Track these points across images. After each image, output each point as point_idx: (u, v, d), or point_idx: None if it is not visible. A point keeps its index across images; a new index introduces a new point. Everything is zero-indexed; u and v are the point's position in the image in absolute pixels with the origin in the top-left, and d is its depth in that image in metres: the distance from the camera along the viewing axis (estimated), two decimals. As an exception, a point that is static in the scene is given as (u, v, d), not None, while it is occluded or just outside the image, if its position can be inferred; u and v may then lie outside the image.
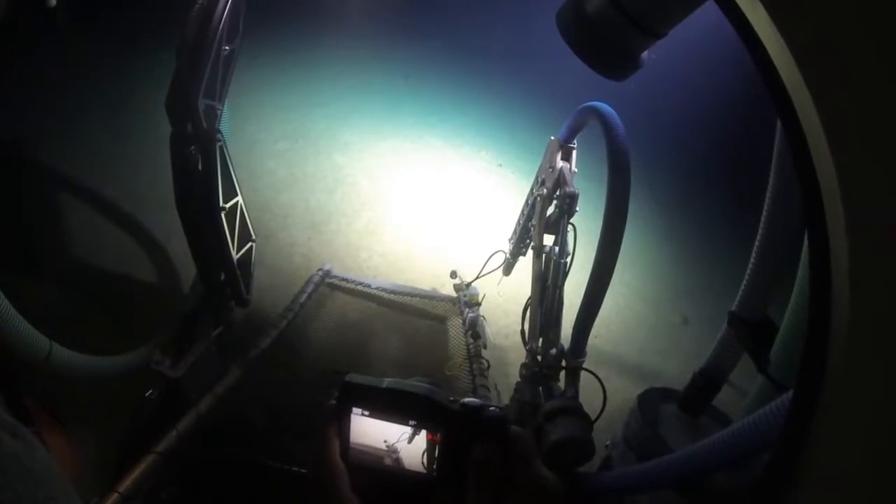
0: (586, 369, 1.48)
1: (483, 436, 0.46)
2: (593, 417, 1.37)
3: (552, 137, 1.79)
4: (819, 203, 0.58)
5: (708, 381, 1.49)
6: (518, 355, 1.99)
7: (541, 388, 1.51)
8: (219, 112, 1.59)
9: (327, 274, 2.40)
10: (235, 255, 1.76)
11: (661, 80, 2.86)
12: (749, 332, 1.32)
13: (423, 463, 0.48)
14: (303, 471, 1.47)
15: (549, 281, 1.59)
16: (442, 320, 2.32)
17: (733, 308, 1.36)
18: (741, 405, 1.50)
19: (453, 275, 2.56)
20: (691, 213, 3.68)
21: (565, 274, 1.59)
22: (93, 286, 2.32)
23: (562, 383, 1.52)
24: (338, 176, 3.32)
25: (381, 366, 2.04)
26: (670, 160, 3.81)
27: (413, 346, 2.18)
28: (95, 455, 1.59)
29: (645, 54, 1.09)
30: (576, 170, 1.71)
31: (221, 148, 1.57)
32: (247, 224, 1.84)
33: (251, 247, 1.91)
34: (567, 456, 1.33)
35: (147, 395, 1.61)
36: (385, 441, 0.49)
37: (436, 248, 2.96)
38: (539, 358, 1.54)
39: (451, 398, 0.48)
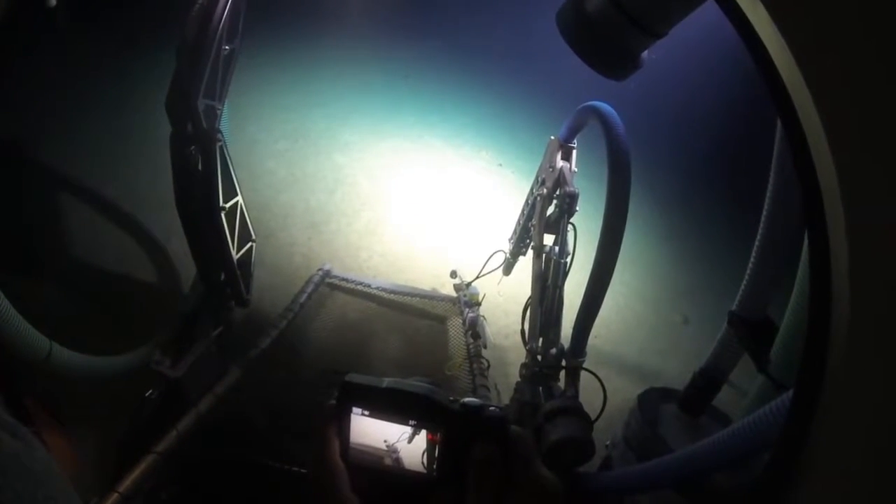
0: (586, 369, 1.48)
1: (483, 436, 0.46)
2: (593, 417, 1.37)
3: (552, 137, 1.79)
4: (819, 203, 0.58)
5: (708, 381, 1.49)
6: (518, 355, 1.99)
7: (541, 388, 1.51)
8: (219, 112, 1.59)
9: (327, 274, 2.40)
10: (235, 255, 1.76)
11: (661, 80, 2.86)
12: (749, 331, 1.32)
13: (423, 463, 0.48)
14: (303, 471, 1.47)
15: (549, 281, 1.59)
16: (442, 320, 2.32)
17: (733, 308, 1.36)
18: (741, 405, 1.50)
19: (453, 275, 2.56)
20: (691, 213, 3.68)
21: (565, 274, 1.59)
22: (93, 286, 2.32)
23: (562, 383, 1.52)
24: (338, 176, 3.32)
25: (381, 366, 2.04)
26: (670, 160, 3.80)
27: (413, 346, 2.18)
28: (95, 455, 1.59)
29: (645, 54, 1.09)
30: (576, 169, 1.71)
31: (221, 148, 1.57)
32: (247, 224, 1.84)
33: (251, 247, 1.91)
34: (567, 456, 1.33)
35: (147, 395, 1.61)
36: (385, 441, 0.48)
37: (436, 248, 2.96)
38: (539, 358, 1.54)
39: (451, 398, 0.48)
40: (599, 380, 1.44)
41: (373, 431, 0.49)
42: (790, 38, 0.56)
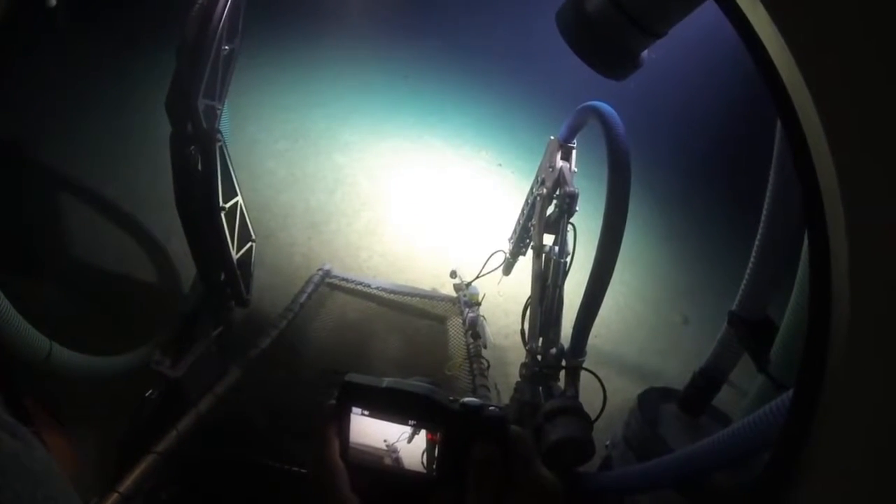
0: (586, 369, 1.48)
1: (483, 436, 0.46)
2: (593, 417, 1.37)
3: (552, 137, 1.79)
4: (819, 203, 0.58)
5: (708, 380, 1.49)
6: (518, 355, 1.99)
7: (541, 388, 1.51)
8: (219, 112, 1.59)
9: (327, 274, 2.40)
10: (235, 255, 1.76)
11: (661, 80, 2.86)
12: (749, 331, 1.32)
13: (422, 463, 0.48)
14: (303, 471, 1.47)
15: (549, 280, 1.59)
16: (442, 320, 2.32)
17: (733, 308, 1.36)
18: (741, 405, 1.50)
19: (453, 275, 2.56)
20: (691, 213, 3.68)
21: (565, 273, 1.59)
22: (93, 286, 2.32)
23: (562, 383, 1.52)
24: (338, 176, 3.32)
25: (381, 366, 2.04)
26: (670, 160, 3.80)
27: (413, 346, 2.18)
28: (95, 455, 1.59)
29: (645, 54, 1.09)
30: (576, 169, 1.71)
31: (221, 148, 1.57)
32: (247, 224, 1.84)
33: (251, 247, 1.91)
34: (567, 456, 1.32)
35: (147, 395, 1.61)
36: (385, 441, 0.49)
37: (436, 248, 2.96)
38: (539, 357, 1.54)
39: (451, 398, 0.48)
40: (599, 380, 1.44)
41: (373, 431, 0.49)
42: (790, 39, 0.56)
